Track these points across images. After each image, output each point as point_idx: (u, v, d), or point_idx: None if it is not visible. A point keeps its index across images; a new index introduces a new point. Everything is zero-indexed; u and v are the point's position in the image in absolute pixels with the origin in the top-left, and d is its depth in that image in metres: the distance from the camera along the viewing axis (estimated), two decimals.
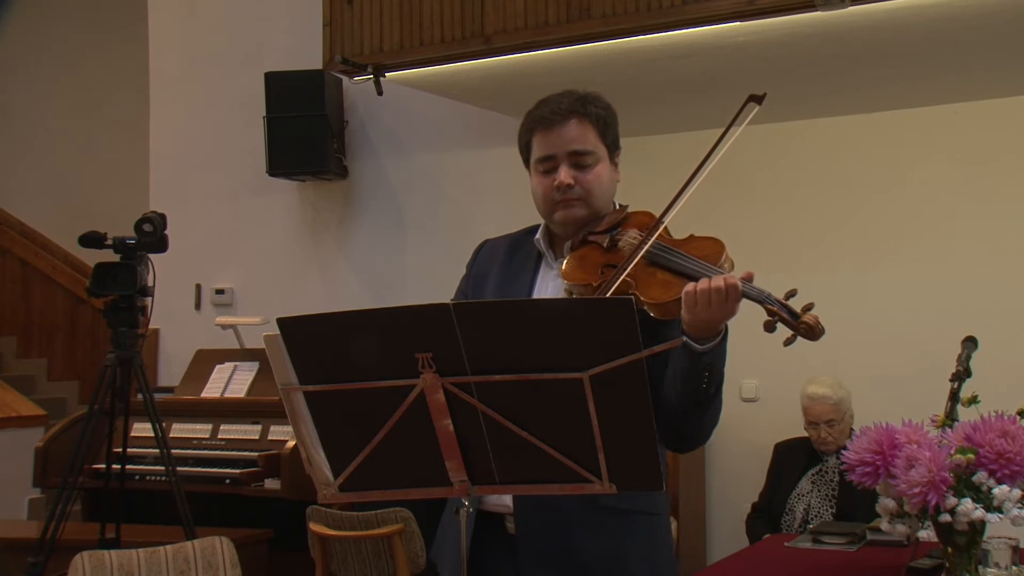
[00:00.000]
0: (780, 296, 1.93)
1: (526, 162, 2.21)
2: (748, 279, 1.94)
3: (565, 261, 2.12)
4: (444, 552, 2.25)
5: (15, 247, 7.82)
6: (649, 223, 2.08)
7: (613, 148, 2.18)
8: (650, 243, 2.00)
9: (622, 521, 2.08)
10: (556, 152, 2.12)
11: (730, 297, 1.88)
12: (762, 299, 1.91)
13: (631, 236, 2.07)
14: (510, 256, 2.26)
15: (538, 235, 2.23)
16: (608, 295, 1.95)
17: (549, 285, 2.18)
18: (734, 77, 4.35)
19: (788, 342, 1.92)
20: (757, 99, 2.02)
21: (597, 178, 2.13)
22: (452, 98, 4.97)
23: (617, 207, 2.18)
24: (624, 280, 1.99)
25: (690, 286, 1.90)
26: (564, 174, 2.10)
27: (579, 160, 2.11)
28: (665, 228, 2.08)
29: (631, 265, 1.98)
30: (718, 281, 1.88)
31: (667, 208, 2.05)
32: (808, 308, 1.90)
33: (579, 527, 2.06)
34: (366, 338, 1.68)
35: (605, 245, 2.09)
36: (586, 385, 1.62)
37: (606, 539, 2.07)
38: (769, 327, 1.92)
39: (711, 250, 2.03)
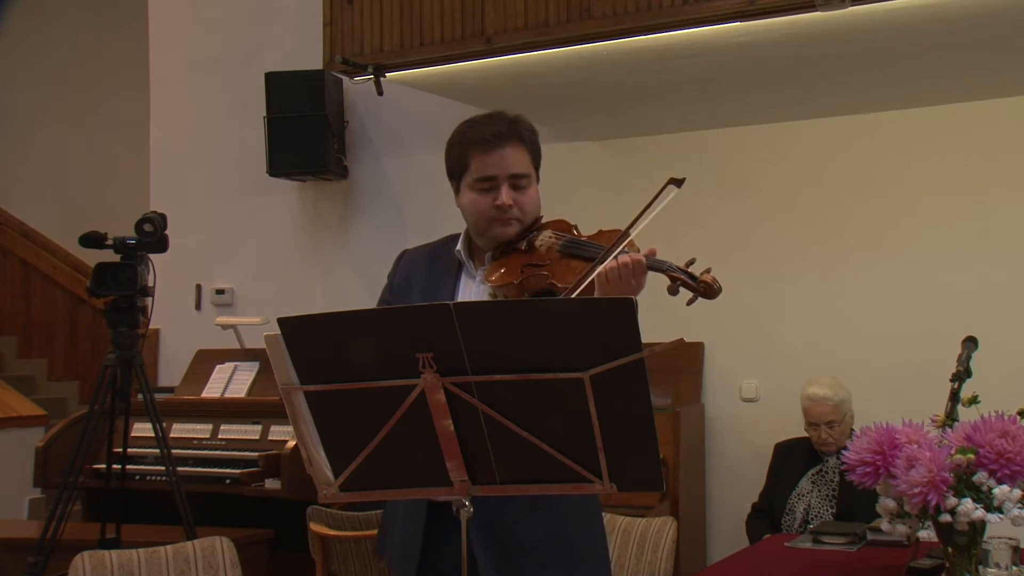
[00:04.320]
0: (681, 264, 2.12)
1: (454, 178, 2.33)
2: (651, 255, 2.12)
3: (488, 268, 2.27)
4: (391, 546, 2.31)
5: (15, 247, 7.83)
6: (562, 227, 2.29)
7: (538, 168, 2.35)
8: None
9: (560, 501, 2.17)
10: (497, 174, 2.25)
11: (636, 270, 2.06)
12: (664, 268, 2.11)
13: (546, 235, 2.26)
14: (431, 265, 2.39)
15: (459, 245, 2.36)
16: (521, 292, 2.12)
17: (472, 292, 2.31)
18: (735, 77, 4.36)
19: (690, 302, 2.13)
20: (676, 183, 2.13)
21: (531, 199, 2.29)
22: (452, 98, 4.97)
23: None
24: (540, 273, 2.18)
25: (602, 266, 2.07)
26: (506, 196, 2.25)
27: (517, 182, 2.27)
28: (575, 227, 2.30)
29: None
30: (624, 258, 2.06)
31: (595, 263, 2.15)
32: (706, 272, 2.10)
33: (521, 509, 2.14)
34: (367, 338, 1.69)
35: (523, 248, 2.26)
36: (587, 385, 1.62)
37: (547, 519, 2.17)
38: (672, 291, 2.13)
39: (610, 235, 2.19)
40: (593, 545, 2.29)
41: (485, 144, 2.25)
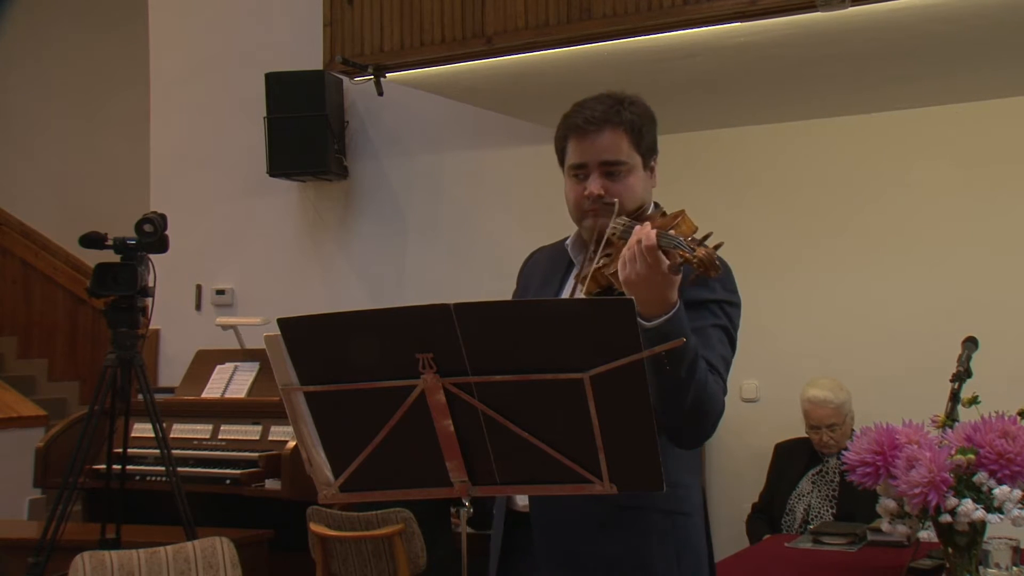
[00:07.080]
0: (698, 238, 1.90)
1: (561, 164, 2.22)
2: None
3: (582, 264, 2.15)
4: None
5: (15, 247, 7.82)
6: (663, 223, 2.06)
7: (649, 154, 2.17)
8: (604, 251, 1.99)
9: (639, 519, 2.04)
10: (587, 161, 2.12)
11: (647, 248, 1.84)
12: (674, 245, 1.87)
13: (618, 223, 2.07)
14: (551, 264, 2.28)
15: (568, 241, 2.25)
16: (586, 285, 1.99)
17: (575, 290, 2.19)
18: (735, 77, 4.35)
19: (694, 281, 1.92)
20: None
21: (629, 189, 2.12)
22: (452, 98, 4.97)
23: (651, 209, 2.17)
24: (598, 269, 2.03)
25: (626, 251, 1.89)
26: (594, 185, 2.10)
27: (610, 170, 2.11)
28: (662, 212, 2.12)
29: (594, 265, 2.00)
30: (633, 239, 1.88)
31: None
32: (717, 247, 1.86)
33: (595, 526, 2.04)
34: (367, 338, 1.68)
35: (608, 239, 2.11)
36: (587, 385, 1.62)
37: (623, 538, 2.05)
38: (674, 270, 1.89)
39: (663, 220, 2.02)
40: (680, 567, 2.07)
41: (578, 129, 2.13)
